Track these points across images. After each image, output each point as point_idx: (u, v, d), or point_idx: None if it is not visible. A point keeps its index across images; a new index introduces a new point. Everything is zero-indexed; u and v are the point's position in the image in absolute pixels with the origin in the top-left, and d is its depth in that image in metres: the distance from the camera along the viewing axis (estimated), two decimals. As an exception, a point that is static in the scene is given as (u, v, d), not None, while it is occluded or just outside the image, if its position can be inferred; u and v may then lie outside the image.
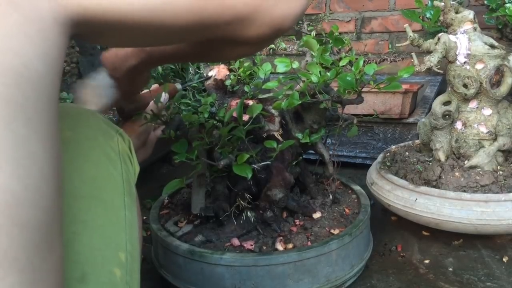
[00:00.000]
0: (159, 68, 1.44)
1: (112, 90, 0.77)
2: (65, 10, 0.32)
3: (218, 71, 0.92)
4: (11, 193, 0.27)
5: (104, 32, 0.37)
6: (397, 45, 1.23)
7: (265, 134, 0.88)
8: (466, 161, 1.06)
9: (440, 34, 1.04)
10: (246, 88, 0.91)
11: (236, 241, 0.85)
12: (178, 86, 0.91)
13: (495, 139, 1.06)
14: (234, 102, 0.88)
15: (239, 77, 0.91)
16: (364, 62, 0.82)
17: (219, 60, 0.67)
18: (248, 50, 0.52)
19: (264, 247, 0.83)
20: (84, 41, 0.37)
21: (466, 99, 1.06)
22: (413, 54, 1.03)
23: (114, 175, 0.49)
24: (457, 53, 1.04)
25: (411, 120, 1.44)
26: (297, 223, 0.91)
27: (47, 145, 0.31)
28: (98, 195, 0.46)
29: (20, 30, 0.29)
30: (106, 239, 0.44)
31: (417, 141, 1.24)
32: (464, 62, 1.03)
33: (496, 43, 1.03)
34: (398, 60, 1.54)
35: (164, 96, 0.86)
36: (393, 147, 1.26)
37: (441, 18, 1.07)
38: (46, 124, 0.31)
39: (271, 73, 0.91)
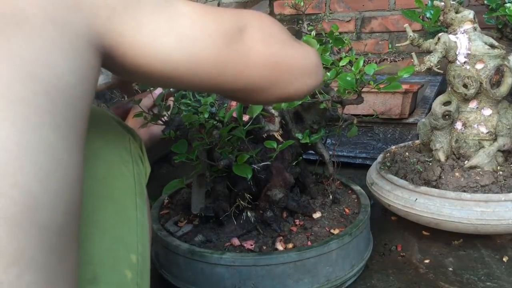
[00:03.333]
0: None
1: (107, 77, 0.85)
2: (100, 38, 0.35)
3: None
4: (31, 195, 0.28)
5: (125, 70, 0.39)
6: (397, 45, 1.23)
7: (265, 134, 0.88)
8: (466, 161, 1.06)
9: (440, 34, 1.04)
10: (246, 88, 0.91)
11: (236, 241, 0.85)
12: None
13: (495, 139, 1.05)
14: (234, 102, 0.88)
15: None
16: (364, 62, 0.82)
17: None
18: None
19: (264, 247, 0.83)
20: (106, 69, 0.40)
21: (466, 99, 1.06)
22: (413, 54, 1.03)
23: (126, 175, 0.48)
24: (457, 53, 1.04)
25: (411, 120, 1.44)
26: (297, 223, 0.91)
27: (74, 152, 0.32)
28: (110, 194, 0.45)
29: (54, 43, 0.31)
30: (117, 240, 0.43)
31: (417, 141, 1.24)
32: (464, 62, 1.03)
33: (496, 43, 1.03)
34: (398, 60, 1.54)
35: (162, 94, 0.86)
36: (393, 147, 1.26)
37: (441, 18, 1.06)
38: (74, 133, 0.32)
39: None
